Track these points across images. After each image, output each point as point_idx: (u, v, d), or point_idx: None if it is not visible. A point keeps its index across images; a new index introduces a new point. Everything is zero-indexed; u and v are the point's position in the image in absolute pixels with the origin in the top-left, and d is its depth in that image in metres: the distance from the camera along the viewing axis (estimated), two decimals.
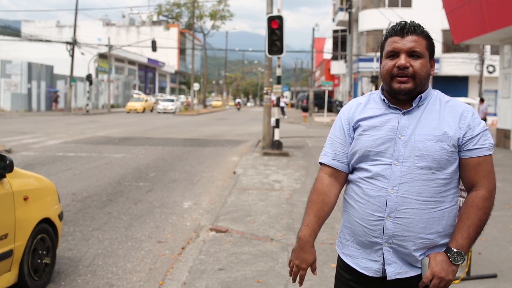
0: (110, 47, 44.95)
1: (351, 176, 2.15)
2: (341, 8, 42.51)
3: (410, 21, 2.08)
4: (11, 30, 62.16)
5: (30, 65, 37.23)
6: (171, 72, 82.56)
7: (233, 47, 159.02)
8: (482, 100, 22.46)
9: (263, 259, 5.07)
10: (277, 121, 14.73)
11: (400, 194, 1.98)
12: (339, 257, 2.23)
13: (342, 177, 2.18)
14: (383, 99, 2.09)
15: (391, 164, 2.00)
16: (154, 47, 39.01)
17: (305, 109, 47.97)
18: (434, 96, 2.08)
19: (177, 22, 62.84)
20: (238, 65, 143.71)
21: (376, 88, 31.82)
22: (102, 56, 50.81)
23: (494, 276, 4.65)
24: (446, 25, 23.38)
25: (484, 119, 20.95)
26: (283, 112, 38.67)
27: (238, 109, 62.75)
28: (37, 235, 4.32)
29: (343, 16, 40.82)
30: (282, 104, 35.15)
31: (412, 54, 2.01)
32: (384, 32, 2.16)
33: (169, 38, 69.73)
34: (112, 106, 49.18)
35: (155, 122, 29.54)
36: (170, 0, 56.63)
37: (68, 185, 8.93)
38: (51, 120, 28.32)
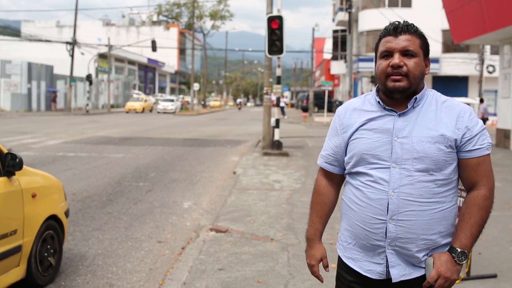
0: (110, 47, 44.95)
1: (349, 180, 2.15)
2: (341, 8, 42.51)
3: (404, 21, 2.08)
4: (11, 30, 62.16)
5: (30, 65, 37.23)
6: (171, 72, 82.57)
7: (233, 47, 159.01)
8: (481, 101, 22.47)
9: (263, 259, 5.07)
10: (277, 121, 14.73)
11: (401, 196, 1.98)
12: (339, 258, 2.23)
13: (337, 178, 2.27)
14: (378, 101, 2.08)
15: (389, 167, 2.00)
16: (154, 47, 39.01)
17: (305, 109, 47.96)
18: (430, 96, 2.08)
19: (177, 22, 62.86)
20: (238, 65, 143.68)
21: None
22: (102, 56, 50.82)
23: (494, 276, 4.65)
24: (446, 25, 23.39)
25: (485, 119, 20.93)
26: (283, 112, 38.68)
27: (239, 108, 64.72)
28: (44, 232, 4.45)
29: (343, 16, 40.81)
30: (282, 104, 35.16)
31: (405, 53, 2.01)
32: None
33: (169, 38, 69.73)
34: (112, 106, 49.18)
35: (155, 122, 29.54)
36: (170, 0, 56.64)
37: (68, 185, 8.92)
38: (51, 120, 28.32)
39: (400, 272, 2.03)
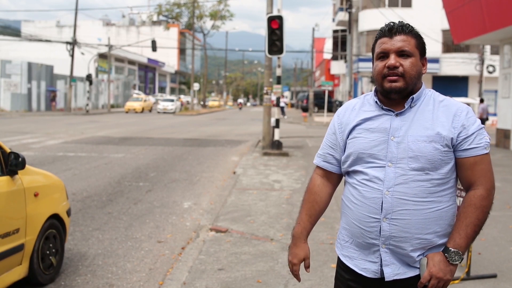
0: (110, 47, 44.95)
1: (347, 179, 2.17)
2: (341, 8, 42.51)
3: (399, 21, 2.09)
4: (11, 30, 62.18)
5: (30, 65, 37.23)
6: (171, 72, 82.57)
7: (233, 47, 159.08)
8: (482, 101, 22.48)
9: (263, 259, 5.07)
10: (277, 121, 14.73)
11: (395, 195, 1.98)
12: (338, 257, 2.24)
13: (334, 177, 2.27)
14: (376, 101, 2.10)
15: (385, 166, 2.01)
16: (154, 47, 39.01)
17: (305, 109, 47.97)
18: (428, 96, 2.08)
19: (177, 22, 62.88)
20: (238, 65, 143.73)
21: None
22: (102, 56, 50.82)
23: (494, 276, 4.65)
24: (446, 25, 23.39)
25: (483, 119, 20.92)
26: (283, 112, 38.68)
27: (240, 108, 66.37)
28: (46, 230, 4.49)
29: (343, 16, 40.81)
30: (282, 104, 35.16)
31: (401, 53, 2.02)
32: None
33: (169, 38, 69.74)
34: (112, 106, 49.18)
35: (155, 122, 29.55)
36: (170, 0, 56.64)
37: (68, 185, 8.92)
38: (51, 120, 28.32)
39: (393, 271, 2.03)
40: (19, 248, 4.06)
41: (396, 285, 2.04)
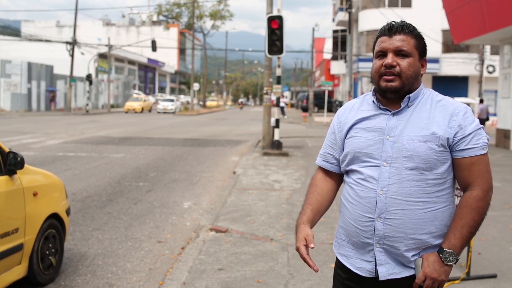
0: (110, 47, 44.95)
1: (345, 178, 2.18)
2: (341, 8, 42.51)
3: (400, 21, 2.09)
4: (11, 30, 62.19)
5: (30, 65, 37.23)
6: (171, 72, 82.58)
7: (233, 47, 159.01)
8: (481, 101, 22.49)
9: (263, 259, 5.07)
10: (277, 121, 14.73)
11: (389, 195, 1.98)
12: (336, 256, 2.25)
13: (335, 176, 2.28)
14: (373, 101, 2.10)
15: (379, 166, 2.01)
16: (154, 47, 39.01)
17: (305, 109, 47.96)
18: (426, 96, 2.07)
19: (177, 22, 62.90)
20: (238, 65, 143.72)
21: None
22: (102, 56, 50.83)
23: (494, 276, 4.65)
24: (446, 25, 23.39)
25: (485, 119, 20.91)
26: (283, 112, 38.68)
27: (241, 108, 68.33)
28: (46, 230, 4.49)
29: (343, 16, 40.81)
30: (282, 104, 35.15)
31: (399, 53, 2.01)
32: None
33: (169, 38, 69.75)
34: (112, 106, 49.18)
35: (155, 122, 29.55)
36: (170, 0, 56.64)
37: (68, 185, 8.91)
38: (51, 120, 28.32)
39: (388, 271, 2.02)
40: (18, 247, 4.06)
41: (392, 284, 2.03)
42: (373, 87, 2.15)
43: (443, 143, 1.97)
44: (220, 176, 10.61)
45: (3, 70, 36.13)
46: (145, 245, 5.80)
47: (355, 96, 38.06)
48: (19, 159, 4.06)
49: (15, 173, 4.12)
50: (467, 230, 1.97)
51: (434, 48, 33.55)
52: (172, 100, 47.23)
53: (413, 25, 2.08)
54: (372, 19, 36.43)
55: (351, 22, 29.98)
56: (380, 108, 2.08)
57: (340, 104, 46.78)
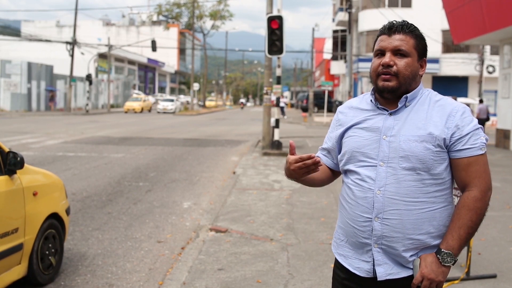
0: (110, 47, 44.95)
1: (344, 178, 2.18)
2: (341, 8, 42.51)
3: (402, 20, 2.08)
4: (11, 30, 62.14)
5: (30, 65, 37.22)
6: (171, 72, 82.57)
7: (233, 47, 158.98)
8: (481, 101, 22.50)
9: (262, 259, 5.07)
10: (277, 121, 14.74)
11: (386, 195, 1.97)
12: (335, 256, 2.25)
13: (332, 171, 2.28)
14: (371, 100, 2.10)
15: (376, 165, 2.00)
16: (154, 47, 39.00)
17: (305, 109, 47.95)
18: (425, 96, 2.07)
19: (177, 22, 62.92)
20: (238, 65, 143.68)
21: None
22: (102, 56, 50.82)
23: (494, 276, 4.65)
24: (446, 25, 23.39)
25: (484, 119, 20.92)
26: (283, 112, 38.67)
27: (242, 108, 70.22)
28: (46, 230, 4.49)
29: (343, 16, 40.82)
30: (282, 104, 35.14)
31: (397, 52, 2.01)
32: None
33: (169, 38, 69.74)
34: (112, 106, 49.18)
35: (155, 122, 29.55)
36: (170, 0, 56.64)
37: (68, 185, 8.91)
38: (50, 120, 28.31)
39: (386, 271, 2.02)
40: (18, 247, 4.06)
41: (390, 285, 2.03)
42: (373, 86, 2.15)
43: (440, 144, 1.96)
44: (220, 176, 10.61)
45: (3, 70, 36.12)
46: (145, 245, 5.80)
47: (355, 96, 38.01)
48: (19, 159, 4.06)
49: (15, 173, 4.12)
50: (465, 231, 1.96)
51: (434, 48, 33.54)
52: (172, 100, 47.22)
53: (414, 25, 2.07)
54: (372, 19, 36.44)
55: (351, 22, 29.98)
56: (377, 107, 2.08)
57: (340, 104, 46.78)
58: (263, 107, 15.46)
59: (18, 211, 4.08)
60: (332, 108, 41.03)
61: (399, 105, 2.03)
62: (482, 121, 19.90)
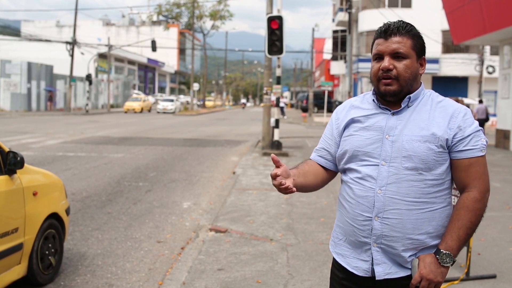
0: (110, 47, 44.95)
1: (343, 177, 2.17)
2: (341, 8, 42.51)
3: (397, 21, 2.07)
4: (11, 30, 62.07)
5: (29, 65, 37.22)
6: (171, 72, 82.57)
7: (233, 47, 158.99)
8: (480, 101, 22.51)
9: (262, 259, 5.07)
10: (277, 121, 14.74)
11: (387, 194, 1.98)
12: (333, 255, 2.25)
13: (328, 171, 2.23)
14: (373, 100, 2.10)
15: (378, 165, 2.00)
16: (154, 47, 39.00)
17: (304, 110, 47.93)
18: (427, 96, 2.07)
19: (177, 22, 62.83)
20: (238, 65, 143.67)
21: None
22: (102, 56, 50.82)
23: (494, 276, 4.65)
24: (446, 26, 23.39)
25: (484, 119, 20.92)
26: (282, 113, 38.67)
27: (243, 108, 73.73)
28: (45, 229, 4.49)
29: (343, 16, 40.82)
30: (281, 104, 35.15)
31: (396, 55, 2.00)
32: None
33: (169, 38, 69.73)
34: (112, 106, 49.17)
35: (154, 122, 29.54)
36: (170, 0, 56.62)
37: (68, 185, 8.91)
38: (50, 120, 28.31)
39: (384, 270, 2.02)
40: (18, 247, 4.06)
41: (388, 284, 2.03)
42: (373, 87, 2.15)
43: (442, 144, 1.97)
44: (220, 176, 10.61)
45: (3, 70, 36.12)
46: (144, 245, 5.80)
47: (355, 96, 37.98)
48: (19, 158, 4.06)
49: (15, 172, 4.12)
50: (464, 232, 1.97)
51: (434, 48, 33.56)
52: (171, 100, 47.21)
53: (411, 24, 2.06)
54: (372, 20, 36.44)
55: (351, 22, 29.98)
56: (380, 107, 2.07)
57: (340, 104, 46.70)
58: (263, 107, 15.46)
59: (18, 211, 4.08)
60: (332, 108, 40.94)
61: (402, 105, 2.03)
62: (481, 122, 19.91)
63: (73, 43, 39.10)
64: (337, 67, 50.17)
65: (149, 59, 68.72)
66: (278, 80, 14.90)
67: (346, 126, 2.13)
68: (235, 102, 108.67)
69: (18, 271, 4.13)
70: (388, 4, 36.60)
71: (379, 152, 2.01)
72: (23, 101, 36.87)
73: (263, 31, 15.55)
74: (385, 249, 2.01)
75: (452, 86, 36.43)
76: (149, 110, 48.00)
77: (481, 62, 35.15)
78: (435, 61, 35.28)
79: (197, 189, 9.13)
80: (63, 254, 4.92)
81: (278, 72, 14.82)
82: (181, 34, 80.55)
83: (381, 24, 2.10)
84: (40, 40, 45.22)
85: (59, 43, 42.89)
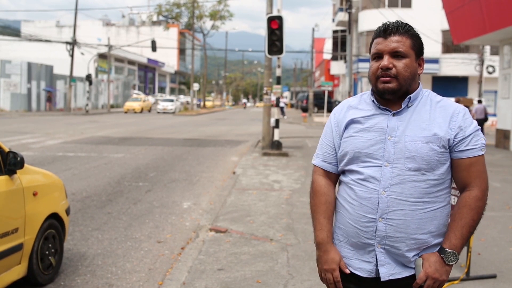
0: (110, 47, 44.95)
1: (343, 178, 2.15)
2: (341, 8, 42.52)
3: (395, 21, 2.08)
4: (11, 30, 62.14)
5: (29, 65, 37.23)
6: (171, 72, 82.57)
7: (233, 47, 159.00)
8: (479, 102, 22.51)
9: (262, 259, 5.07)
10: (277, 121, 14.73)
11: (391, 195, 1.98)
12: None
13: (334, 177, 2.22)
14: (373, 100, 2.09)
15: (381, 166, 2.00)
16: (154, 47, 39.01)
17: (304, 110, 47.93)
18: (425, 96, 2.08)
19: (177, 22, 62.82)
20: (238, 65, 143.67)
21: None
22: (101, 56, 50.82)
23: (494, 276, 4.65)
24: (446, 26, 23.38)
25: (482, 119, 20.92)
26: (282, 113, 38.66)
27: (244, 108, 76.08)
28: (45, 230, 4.49)
29: (343, 16, 40.82)
30: (281, 104, 35.15)
31: (395, 54, 2.01)
32: None
33: (169, 38, 69.73)
34: (112, 106, 49.18)
35: (154, 122, 29.54)
36: (170, 0, 56.62)
37: (68, 185, 8.91)
38: (50, 120, 28.31)
39: (389, 271, 2.03)
40: (18, 247, 4.06)
41: (391, 284, 2.04)
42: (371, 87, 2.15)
43: (444, 144, 1.98)
44: (220, 176, 10.61)
45: (3, 70, 36.13)
46: (144, 245, 5.80)
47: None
48: (19, 159, 4.06)
49: (15, 173, 4.12)
50: (467, 230, 2.00)
51: (434, 48, 33.57)
52: (171, 100, 47.21)
53: (409, 24, 2.07)
54: (372, 20, 36.43)
55: (351, 22, 29.98)
56: (379, 108, 2.07)
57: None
58: (263, 107, 15.46)
59: (18, 211, 4.08)
60: (332, 108, 40.92)
61: (403, 106, 2.03)
62: (480, 122, 19.91)
63: (73, 43, 39.10)
64: (337, 67, 50.16)
65: (149, 59, 68.73)
66: (278, 80, 14.90)
67: (345, 128, 2.12)
68: (234, 102, 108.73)
69: (18, 271, 4.12)
70: (388, 4, 36.60)
71: (382, 154, 2.01)
72: (23, 101, 36.87)
73: (263, 31, 15.55)
74: (389, 250, 2.02)
75: (452, 86, 36.43)
76: (149, 110, 48.00)
77: (481, 62, 35.16)
78: (435, 61, 35.28)
79: (197, 189, 9.13)
80: (63, 254, 4.92)
81: (278, 72, 14.82)
82: (181, 34, 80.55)
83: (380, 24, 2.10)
84: (40, 40, 45.24)
85: (59, 43, 42.91)
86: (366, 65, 36.85)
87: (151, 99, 54.89)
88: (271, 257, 5.15)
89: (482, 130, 17.82)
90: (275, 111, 15.09)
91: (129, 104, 44.69)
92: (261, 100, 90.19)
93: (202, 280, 4.51)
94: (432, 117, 2.01)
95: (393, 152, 1.99)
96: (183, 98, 62.53)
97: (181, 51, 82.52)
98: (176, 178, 10.14)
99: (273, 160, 12.90)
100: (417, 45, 2.05)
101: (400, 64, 2.00)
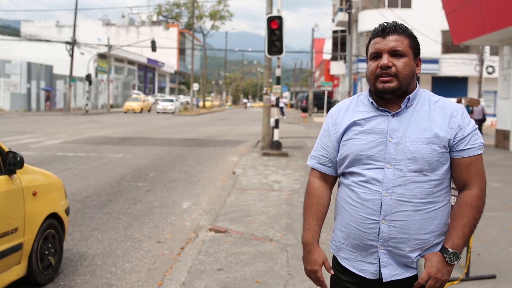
0: (110, 47, 44.95)
1: (343, 180, 2.14)
2: (341, 8, 42.50)
3: (392, 21, 2.08)
4: (11, 30, 62.02)
5: (29, 65, 37.22)
6: (171, 72, 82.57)
7: (233, 47, 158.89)
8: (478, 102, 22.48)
9: (262, 260, 5.07)
10: (277, 121, 14.73)
11: (394, 197, 1.98)
12: (334, 258, 2.24)
13: (330, 179, 2.23)
14: (371, 102, 2.08)
15: (383, 168, 2.00)
16: (153, 47, 39.01)
17: (304, 110, 47.94)
18: (423, 96, 2.07)
19: (177, 22, 62.80)
20: (238, 65, 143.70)
21: None
22: (101, 56, 50.82)
23: (493, 277, 4.65)
24: (445, 26, 23.38)
25: (481, 120, 20.91)
26: (282, 113, 38.66)
27: (245, 108, 78.06)
28: (45, 229, 4.49)
29: (342, 16, 40.81)
30: (281, 104, 35.13)
31: (394, 53, 2.01)
32: None
33: (168, 38, 69.72)
34: (112, 106, 49.17)
35: (154, 122, 29.54)
36: (169, 0, 56.61)
37: (68, 185, 8.90)
38: (50, 120, 28.30)
39: (391, 272, 2.03)
40: (18, 247, 4.06)
41: (393, 285, 2.05)
42: (368, 87, 2.14)
43: (445, 144, 1.98)
44: (220, 176, 10.61)
45: (2, 70, 36.12)
46: (144, 245, 5.80)
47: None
48: (18, 158, 4.06)
49: (15, 172, 4.12)
50: (468, 229, 2.01)
51: (433, 48, 33.54)
52: (171, 100, 47.21)
53: (405, 25, 2.08)
54: (371, 20, 36.41)
55: (351, 22, 29.98)
56: (378, 109, 2.06)
57: None
58: (263, 107, 15.45)
59: (18, 211, 4.08)
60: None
61: (402, 106, 2.03)
62: (478, 122, 19.89)
63: (73, 43, 39.10)
64: (337, 67, 50.13)
65: (149, 59, 68.72)
66: (278, 80, 14.90)
67: (345, 131, 2.10)
68: (233, 102, 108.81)
69: (17, 271, 4.12)
70: (388, 4, 36.59)
71: (383, 155, 2.00)
72: (23, 101, 36.86)
73: (263, 31, 15.55)
74: (392, 251, 2.02)
75: (452, 86, 36.41)
76: (149, 110, 47.99)
77: (481, 62, 35.14)
78: (435, 61, 35.27)
79: (197, 189, 9.13)
80: (63, 254, 4.92)
81: (278, 72, 14.82)
82: (181, 34, 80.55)
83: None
84: (40, 40, 45.21)
85: (59, 43, 42.89)
86: (365, 65, 36.69)
87: (150, 99, 54.89)
88: (271, 257, 5.15)
89: (481, 131, 17.84)
90: (274, 111, 15.09)
91: (128, 104, 44.66)
92: (260, 100, 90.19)
93: (202, 280, 4.51)
94: (432, 117, 2.00)
95: (394, 153, 1.99)
96: (183, 98, 62.49)
97: (181, 51, 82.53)
98: (176, 178, 10.14)
99: (273, 160, 12.90)
100: (415, 45, 2.06)
101: (399, 62, 2.00)
